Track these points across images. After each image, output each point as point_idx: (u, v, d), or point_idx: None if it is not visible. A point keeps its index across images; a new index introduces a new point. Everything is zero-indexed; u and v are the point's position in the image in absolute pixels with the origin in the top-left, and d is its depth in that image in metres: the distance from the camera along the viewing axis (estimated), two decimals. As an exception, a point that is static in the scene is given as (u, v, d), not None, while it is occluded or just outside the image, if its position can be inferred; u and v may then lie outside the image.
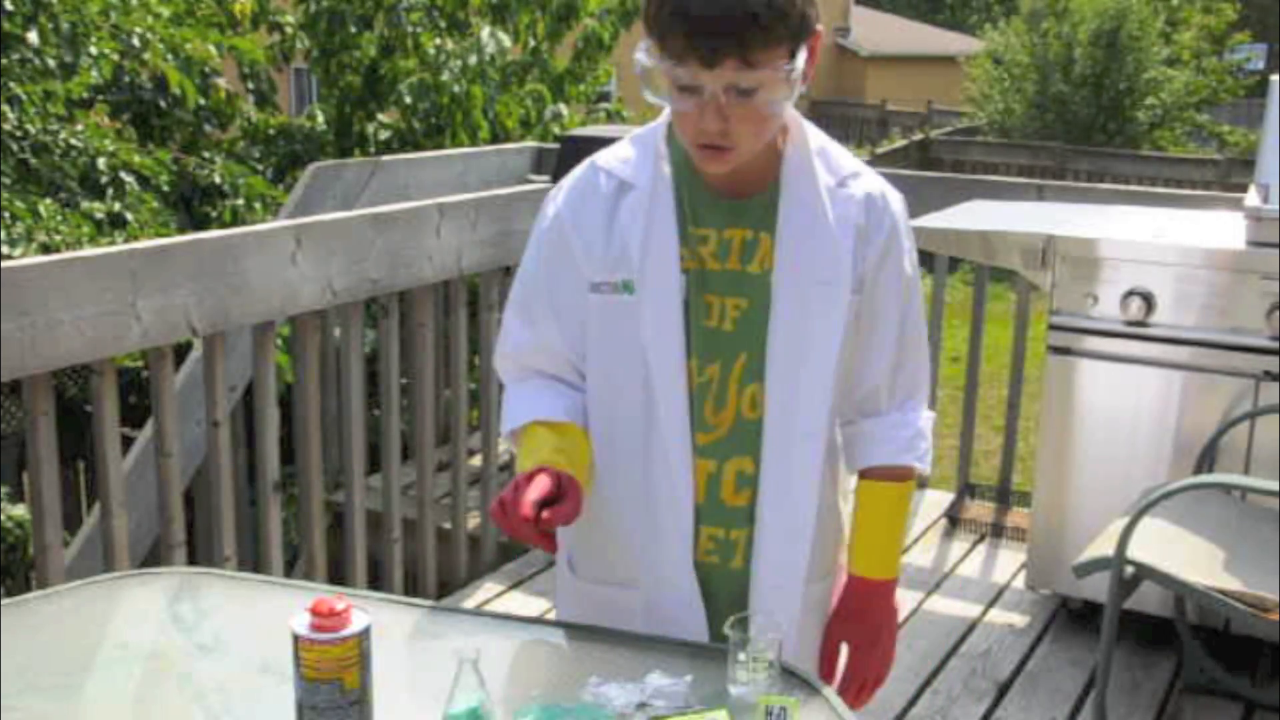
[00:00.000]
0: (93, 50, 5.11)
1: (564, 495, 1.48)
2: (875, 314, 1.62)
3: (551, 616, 1.78)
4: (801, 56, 1.45)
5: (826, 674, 1.70)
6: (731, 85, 1.42)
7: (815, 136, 1.60)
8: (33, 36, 4.73)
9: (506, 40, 6.11)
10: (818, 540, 1.64)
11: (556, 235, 1.61)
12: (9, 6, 4.73)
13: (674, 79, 1.44)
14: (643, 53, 1.46)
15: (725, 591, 1.63)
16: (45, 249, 4.26)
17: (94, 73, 5.09)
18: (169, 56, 5.51)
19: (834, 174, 1.59)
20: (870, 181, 1.62)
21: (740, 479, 1.60)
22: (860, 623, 1.70)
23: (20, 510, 3.93)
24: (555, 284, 1.61)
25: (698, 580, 1.62)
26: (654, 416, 1.58)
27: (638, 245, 1.55)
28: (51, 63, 4.89)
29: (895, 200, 1.63)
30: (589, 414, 1.63)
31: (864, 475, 1.70)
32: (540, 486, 1.46)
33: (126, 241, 4.60)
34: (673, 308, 1.56)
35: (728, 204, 1.57)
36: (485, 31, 6.02)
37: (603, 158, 1.61)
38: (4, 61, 4.72)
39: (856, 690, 1.71)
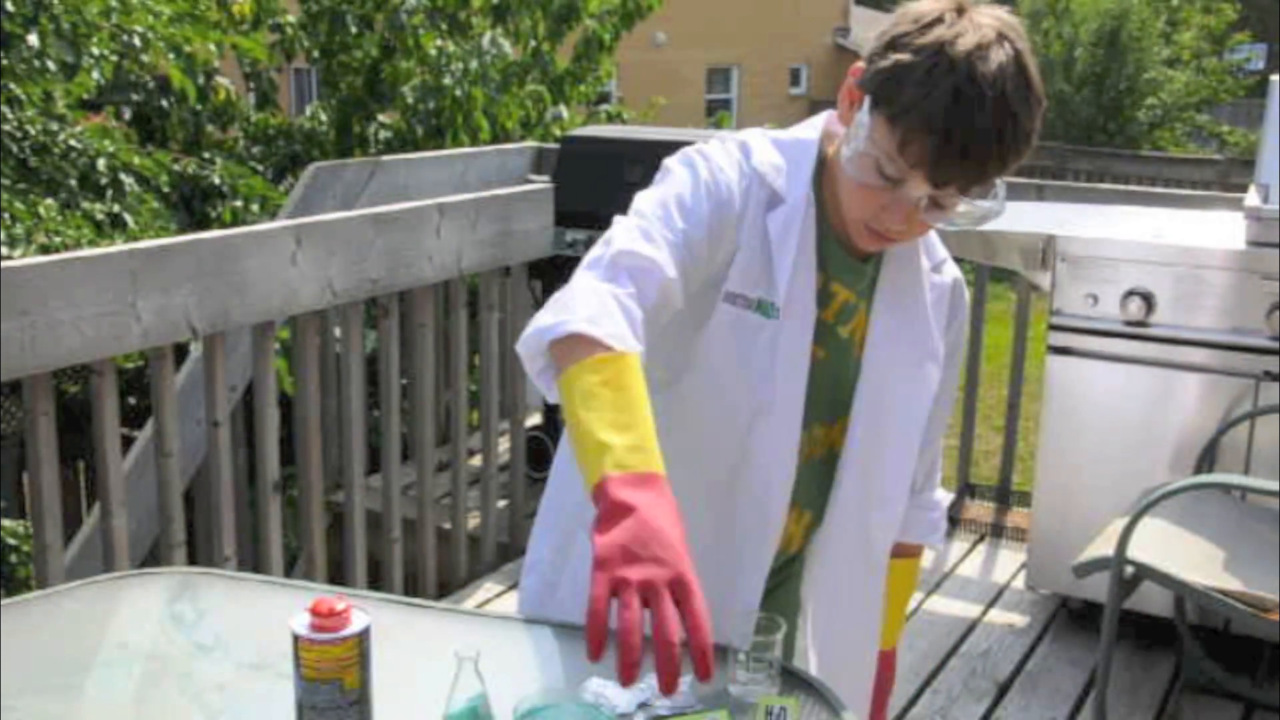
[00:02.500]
0: (95, 51, 5.11)
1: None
2: (936, 401, 1.60)
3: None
4: (1001, 183, 1.38)
5: None
6: (935, 197, 1.34)
7: None
8: (33, 38, 4.73)
9: (507, 46, 6.12)
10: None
11: (729, 207, 1.41)
12: (10, 7, 4.73)
13: (882, 165, 1.33)
14: (866, 127, 1.33)
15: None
16: (45, 249, 4.26)
17: (95, 73, 5.08)
18: (170, 55, 5.50)
19: (930, 257, 1.55)
20: (953, 268, 1.59)
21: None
22: (880, 692, 1.74)
23: (10, 523, 3.92)
24: (705, 236, 1.39)
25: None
26: (750, 443, 1.49)
27: (785, 267, 1.43)
28: (52, 64, 4.89)
29: (966, 292, 1.62)
30: (683, 421, 1.46)
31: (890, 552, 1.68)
32: (699, 600, 1.10)
33: (126, 242, 4.60)
34: (806, 339, 1.47)
35: (852, 262, 1.49)
36: (486, 38, 6.03)
37: (758, 156, 1.45)
38: (4, 62, 4.72)
39: None
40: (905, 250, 1.51)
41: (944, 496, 1.76)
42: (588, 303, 1.26)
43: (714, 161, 1.43)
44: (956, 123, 1.28)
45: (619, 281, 1.30)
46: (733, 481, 1.52)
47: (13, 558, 3.87)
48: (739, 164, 1.44)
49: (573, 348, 1.23)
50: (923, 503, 1.71)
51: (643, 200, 1.40)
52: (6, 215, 4.28)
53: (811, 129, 1.49)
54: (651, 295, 1.31)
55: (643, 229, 1.35)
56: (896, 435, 1.56)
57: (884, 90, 1.32)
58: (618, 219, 1.38)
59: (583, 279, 1.30)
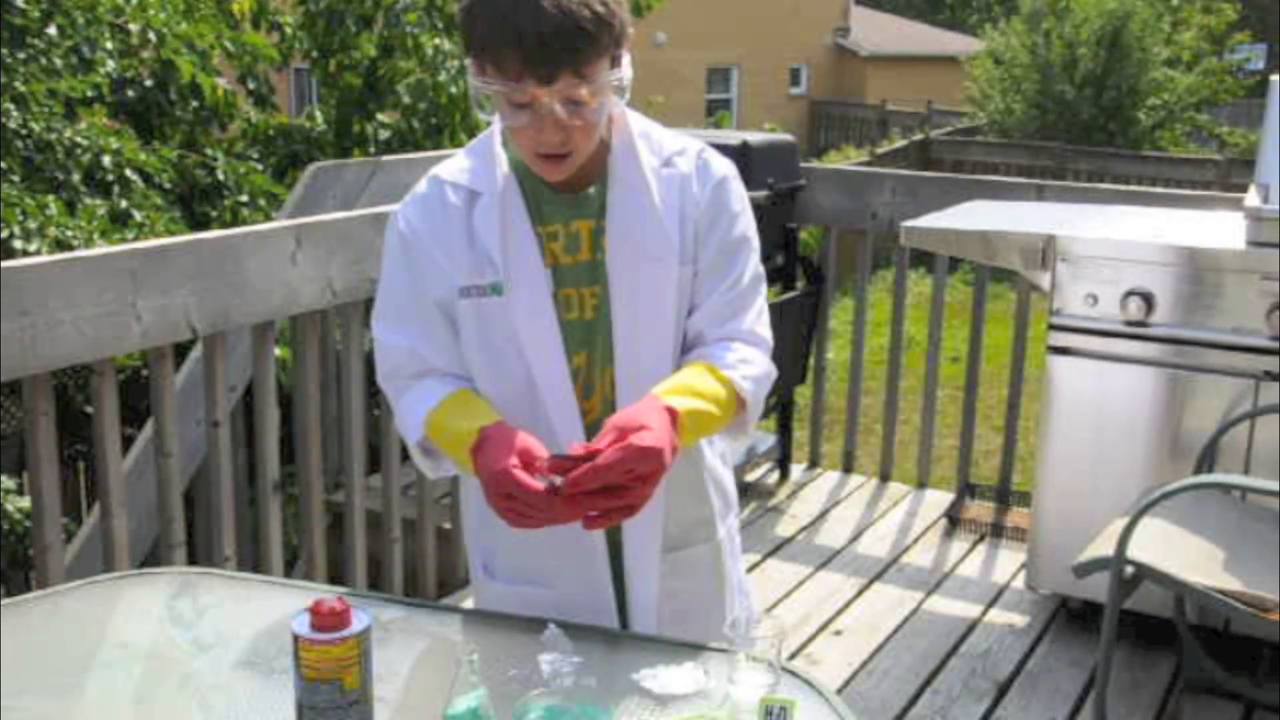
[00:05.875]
0: (108, 45, 5.12)
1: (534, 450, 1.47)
2: (706, 275, 1.65)
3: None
4: (626, 60, 1.53)
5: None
6: (567, 98, 1.47)
7: (637, 122, 1.66)
8: (52, 31, 4.74)
9: None
10: (674, 510, 1.69)
11: (412, 250, 1.64)
12: (20, 4, 4.73)
13: (509, 97, 1.48)
14: (474, 76, 1.51)
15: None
16: (58, 244, 4.26)
17: (109, 64, 5.09)
18: (184, 51, 5.50)
19: (658, 155, 1.65)
20: (693, 157, 1.67)
21: None
22: (623, 420, 1.49)
23: (26, 503, 3.94)
24: (420, 293, 1.65)
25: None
26: (540, 411, 1.62)
27: (497, 248, 1.60)
28: (59, 61, 4.89)
29: (719, 168, 1.68)
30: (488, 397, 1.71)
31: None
32: (517, 454, 1.45)
33: (137, 237, 4.60)
34: (543, 303, 1.61)
35: (568, 197, 1.63)
36: None
37: (444, 171, 1.66)
38: (9, 61, 4.72)
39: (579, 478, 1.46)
40: (626, 157, 1.63)
41: (754, 352, 1.65)
42: (407, 419, 1.64)
43: (390, 233, 1.68)
44: (523, 17, 1.43)
45: (409, 389, 1.66)
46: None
47: (20, 541, 3.89)
48: (410, 206, 1.66)
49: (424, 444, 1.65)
50: (716, 345, 1.64)
51: (379, 297, 1.71)
52: (18, 211, 4.28)
53: (495, 124, 1.65)
54: (431, 364, 1.65)
55: (395, 331, 1.66)
56: (651, 332, 1.63)
57: (467, 37, 1.51)
58: (376, 323, 1.70)
59: (390, 392, 1.70)
